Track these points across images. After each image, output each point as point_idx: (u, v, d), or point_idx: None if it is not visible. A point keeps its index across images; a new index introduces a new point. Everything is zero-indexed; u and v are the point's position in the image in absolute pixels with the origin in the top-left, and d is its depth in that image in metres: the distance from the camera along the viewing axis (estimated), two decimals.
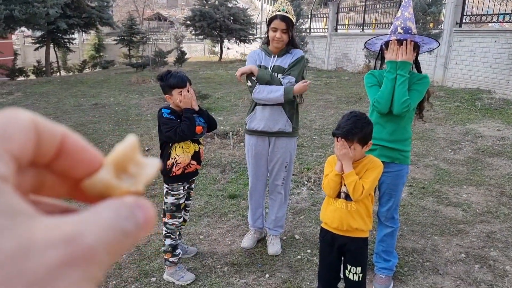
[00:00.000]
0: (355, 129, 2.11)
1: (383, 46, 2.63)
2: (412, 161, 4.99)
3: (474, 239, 3.22)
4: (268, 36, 2.94)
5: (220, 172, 4.84)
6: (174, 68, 17.13)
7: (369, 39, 2.70)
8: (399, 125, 2.55)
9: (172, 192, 2.80)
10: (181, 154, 2.73)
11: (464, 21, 10.78)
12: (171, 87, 2.67)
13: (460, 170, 4.69)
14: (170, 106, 2.75)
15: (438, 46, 2.66)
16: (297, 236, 3.36)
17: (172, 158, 2.74)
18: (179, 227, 2.90)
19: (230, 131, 6.19)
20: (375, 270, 2.80)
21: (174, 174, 2.74)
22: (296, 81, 2.90)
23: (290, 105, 2.98)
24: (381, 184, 2.65)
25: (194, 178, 2.97)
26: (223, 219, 3.72)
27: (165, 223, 2.87)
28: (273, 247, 3.16)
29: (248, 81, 2.95)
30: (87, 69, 24.64)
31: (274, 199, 3.27)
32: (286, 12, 2.85)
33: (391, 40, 2.49)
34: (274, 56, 2.96)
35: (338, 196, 2.22)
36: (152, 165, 0.33)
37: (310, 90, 10.53)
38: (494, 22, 10.95)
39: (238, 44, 24.54)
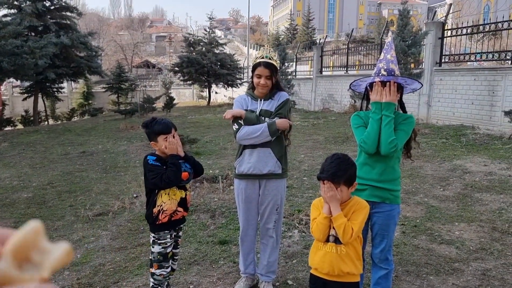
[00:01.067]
0: (339, 172, 2.13)
1: (368, 87, 2.68)
2: (403, 199, 4.98)
3: (470, 278, 3.16)
4: (253, 82, 2.99)
5: (209, 218, 4.77)
6: (163, 114, 17.28)
7: (354, 81, 2.76)
8: (388, 165, 2.55)
9: (158, 241, 2.73)
10: (167, 201, 2.69)
11: (443, 60, 11.17)
12: (156, 133, 2.67)
13: (450, 206, 4.69)
14: (156, 153, 2.74)
15: (421, 87, 2.72)
16: (290, 282, 3.26)
17: (158, 206, 2.69)
18: (167, 278, 2.81)
19: (219, 175, 6.15)
20: None
21: (160, 222, 2.69)
22: None
23: (279, 146, 2.99)
24: (373, 225, 2.62)
25: (181, 226, 2.91)
26: (213, 266, 3.61)
27: (152, 274, 2.77)
28: None
29: (235, 124, 2.96)
30: (76, 117, 24.70)
31: (266, 244, 3.20)
32: (270, 59, 2.91)
33: (375, 82, 2.54)
34: (260, 100, 3.00)
35: (327, 240, 2.19)
36: (58, 250, 0.31)
37: (298, 131, 10.64)
38: (472, 61, 11.36)
39: (226, 89, 24.98)
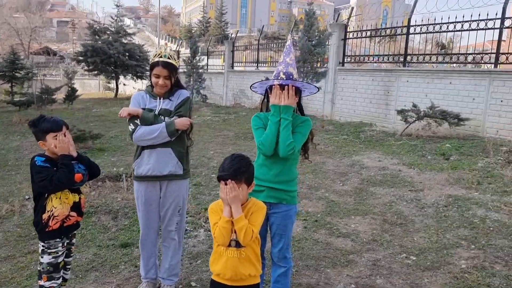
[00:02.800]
0: (242, 168, 2.14)
1: (268, 89, 2.71)
2: (306, 194, 5.20)
3: (362, 268, 3.39)
4: (151, 80, 2.87)
5: (111, 219, 4.52)
6: (64, 106, 16.07)
7: (254, 83, 2.77)
8: (285, 166, 2.60)
9: (48, 250, 2.50)
10: (58, 205, 2.48)
11: (346, 60, 11.88)
12: (44, 132, 2.44)
13: (348, 200, 5.00)
14: (45, 153, 2.51)
15: (317, 91, 2.82)
16: (193, 283, 3.22)
17: (48, 211, 2.47)
18: None
19: (124, 173, 5.87)
20: None
21: (50, 228, 2.47)
22: None
23: (180, 145, 2.91)
24: (271, 225, 2.67)
25: (74, 232, 2.70)
26: (113, 272, 3.43)
27: (41, 287, 2.54)
28: None
29: (131, 123, 2.82)
30: None
31: (168, 246, 3.11)
32: (169, 58, 2.81)
33: (274, 85, 2.57)
34: (160, 98, 2.89)
35: (229, 245, 2.18)
36: None
37: (208, 126, 10.59)
38: (372, 62, 12.22)
39: (135, 80, 23.97)
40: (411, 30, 10.11)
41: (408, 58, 10.32)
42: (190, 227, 4.29)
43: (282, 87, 2.54)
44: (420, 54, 10.20)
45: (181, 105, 2.88)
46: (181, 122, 2.78)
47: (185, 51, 23.44)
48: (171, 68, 2.81)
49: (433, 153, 6.80)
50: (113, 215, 4.63)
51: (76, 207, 2.58)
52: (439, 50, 13.49)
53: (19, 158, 7.55)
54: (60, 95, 17.86)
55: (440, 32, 9.55)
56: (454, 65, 9.79)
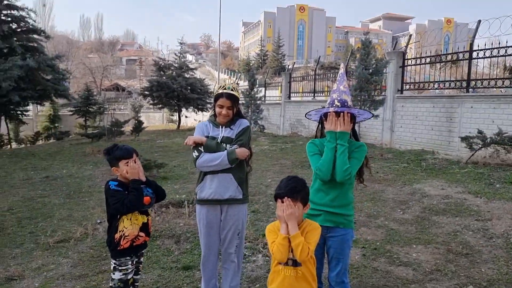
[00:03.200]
0: (298, 187, 2.29)
1: (322, 116, 2.82)
2: (364, 222, 5.12)
3: None
4: (215, 111, 3.07)
5: (174, 243, 4.74)
6: (131, 138, 17.10)
7: (309, 111, 2.89)
8: (341, 191, 2.66)
9: (119, 268, 2.72)
10: (129, 226, 2.71)
11: (405, 88, 11.68)
12: (117, 159, 2.72)
13: (409, 229, 4.85)
14: (117, 178, 2.77)
15: (372, 117, 2.89)
16: None
17: (119, 231, 2.70)
18: None
19: (186, 200, 6.14)
20: None
21: (121, 247, 2.69)
22: None
23: (240, 171, 3.05)
24: (328, 249, 2.71)
25: (143, 251, 2.91)
26: None
27: None
28: None
29: (195, 151, 3.02)
30: (41, 141, 24.02)
31: (228, 268, 3.22)
32: (232, 90, 3.02)
33: (330, 112, 2.68)
34: (222, 127, 3.09)
35: (286, 263, 2.26)
36: None
37: (265, 155, 10.77)
38: (434, 88, 11.89)
39: (196, 113, 25.04)
40: (474, 54, 9.79)
41: (472, 83, 9.95)
42: (248, 252, 4.38)
43: (337, 114, 2.64)
44: (485, 79, 9.79)
45: (242, 133, 3.05)
46: (241, 152, 2.95)
47: (243, 84, 24.19)
48: (233, 99, 3.01)
49: (502, 181, 6.43)
50: (176, 239, 4.85)
51: (145, 227, 2.80)
52: (507, 74, 12.87)
53: (91, 186, 8.14)
54: (127, 128, 19.06)
55: (505, 56, 9.15)
56: None
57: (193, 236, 4.85)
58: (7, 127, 20.76)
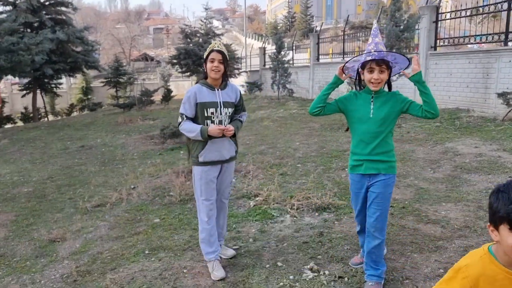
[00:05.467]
0: None
1: (359, 68, 2.81)
2: None
3: (452, 254, 3.27)
4: (206, 71, 3.25)
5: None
6: (161, 107, 17.35)
7: (346, 63, 2.87)
8: (381, 140, 2.74)
9: None
10: None
11: (439, 44, 11.18)
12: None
13: (439, 188, 4.79)
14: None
15: (408, 65, 2.82)
16: (279, 263, 3.38)
17: None
18: None
19: None
20: (365, 278, 2.89)
21: None
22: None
23: (235, 135, 3.41)
24: (369, 194, 2.77)
25: None
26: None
27: None
28: (227, 251, 3.59)
29: (179, 117, 3.30)
30: (75, 112, 24.80)
31: (223, 211, 3.59)
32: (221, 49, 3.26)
33: (368, 62, 2.67)
34: (217, 90, 3.28)
35: None
36: None
37: (294, 119, 10.73)
38: (471, 43, 11.34)
39: None
40: None
41: (510, 36, 9.40)
42: (276, 213, 4.47)
43: (378, 64, 2.63)
44: None
45: (241, 101, 3.47)
46: (213, 130, 3.16)
47: (271, 48, 23.84)
48: (223, 54, 3.20)
49: None
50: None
51: None
52: None
53: (125, 154, 8.41)
54: (157, 97, 19.32)
55: None
56: None
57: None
58: (43, 100, 21.51)
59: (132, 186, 5.94)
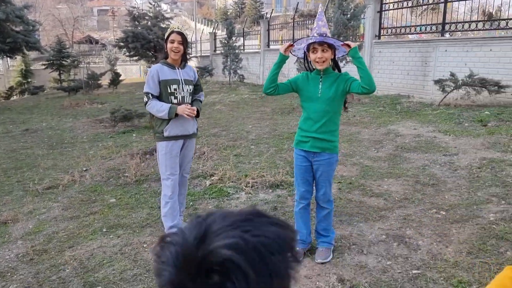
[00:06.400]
0: None
1: (305, 50, 3.01)
2: (341, 161, 5.41)
3: (393, 222, 3.61)
4: (166, 50, 3.39)
5: (160, 185, 4.94)
6: (109, 91, 16.85)
7: (293, 45, 3.07)
8: (329, 119, 2.94)
9: None
10: None
11: (383, 33, 11.75)
12: None
13: (382, 165, 5.17)
14: None
15: (346, 54, 3.04)
16: None
17: None
18: None
19: None
20: (317, 244, 3.15)
21: None
22: None
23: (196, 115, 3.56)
24: (315, 171, 3.00)
25: None
26: (163, 228, 3.83)
27: None
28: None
29: (145, 96, 3.41)
30: (15, 96, 23.41)
31: (184, 185, 3.79)
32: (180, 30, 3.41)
33: (311, 44, 2.86)
34: (177, 69, 3.44)
35: None
36: None
37: (246, 104, 10.90)
38: (411, 33, 12.01)
39: None
40: None
41: (447, 27, 10.10)
42: (232, 191, 4.64)
43: (320, 44, 2.83)
44: (459, 22, 9.94)
45: (199, 81, 3.70)
46: (181, 109, 3.34)
47: (221, 33, 23.69)
48: (183, 36, 3.35)
49: (471, 121, 6.78)
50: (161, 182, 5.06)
51: None
52: (485, 19, 13.01)
53: (73, 137, 8.19)
54: (104, 81, 18.70)
55: None
56: (496, 32, 9.50)
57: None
58: None
59: (84, 169, 5.86)
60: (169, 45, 3.35)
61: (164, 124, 3.43)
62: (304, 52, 3.05)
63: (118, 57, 32.19)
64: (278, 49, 14.88)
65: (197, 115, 3.55)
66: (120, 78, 18.18)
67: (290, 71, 15.36)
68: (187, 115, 3.35)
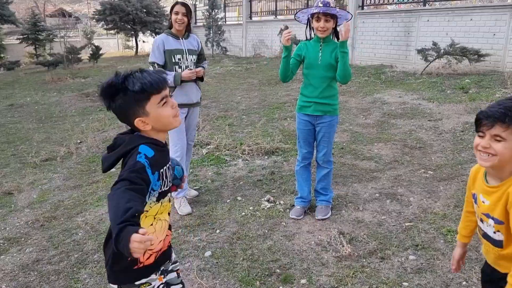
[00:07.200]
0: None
1: (309, 18, 3.15)
2: None
3: (385, 182, 3.86)
4: (171, 21, 3.48)
5: None
6: (90, 65, 16.55)
7: (296, 13, 3.21)
8: (328, 84, 3.12)
9: None
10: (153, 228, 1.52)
11: (365, 4, 11.86)
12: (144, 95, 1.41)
13: (371, 131, 5.41)
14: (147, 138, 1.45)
15: (351, 18, 3.21)
16: (239, 198, 3.76)
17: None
18: None
19: None
20: (316, 203, 3.37)
21: (141, 265, 1.51)
22: None
23: (200, 83, 3.70)
24: (317, 133, 3.20)
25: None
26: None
27: None
28: (191, 192, 3.84)
29: (150, 66, 3.46)
30: None
31: (188, 157, 3.88)
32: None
33: (316, 15, 3.01)
34: (181, 39, 3.52)
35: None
36: None
37: (232, 75, 10.95)
38: (391, 3, 12.14)
39: (154, 37, 24.15)
40: None
41: None
42: (229, 158, 4.81)
43: (323, 14, 2.98)
44: None
45: (203, 50, 3.75)
46: (186, 74, 3.43)
47: (200, 5, 23.30)
48: (187, 7, 3.45)
49: (453, 88, 7.06)
50: None
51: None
52: None
53: (62, 111, 8.16)
54: (84, 55, 18.31)
55: None
56: (477, 2, 9.73)
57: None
58: None
59: (79, 141, 5.91)
60: (173, 16, 3.43)
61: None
62: (308, 19, 3.19)
63: (95, 31, 31.37)
64: (261, 21, 14.82)
65: (201, 79, 3.65)
66: (100, 52, 17.81)
67: (274, 42, 15.39)
68: (190, 75, 3.43)
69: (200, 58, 3.74)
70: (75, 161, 5.18)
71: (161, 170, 1.44)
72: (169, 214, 1.59)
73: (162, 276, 1.60)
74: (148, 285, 1.52)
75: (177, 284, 1.70)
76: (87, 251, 3.07)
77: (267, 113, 6.70)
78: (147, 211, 1.43)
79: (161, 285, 1.58)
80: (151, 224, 1.47)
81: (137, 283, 1.50)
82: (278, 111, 6.74)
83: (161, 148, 1.46)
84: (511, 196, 1.38)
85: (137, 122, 1.42)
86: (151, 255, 1.50)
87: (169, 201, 1.56)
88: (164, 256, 1.59)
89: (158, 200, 1.47)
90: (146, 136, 1.46)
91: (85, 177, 4.63)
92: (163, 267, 1.60)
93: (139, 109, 1.40)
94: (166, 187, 1.49)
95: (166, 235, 1.58)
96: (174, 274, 1.69)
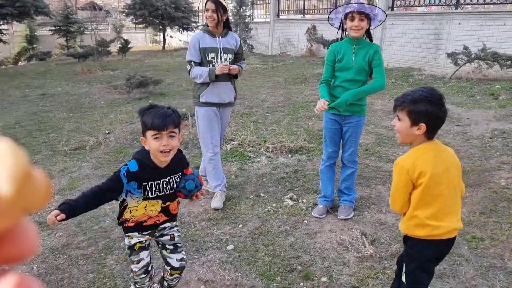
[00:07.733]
0: (417, 99, 1.84)
1: (343, 19, 3.15)
2: None
3: None
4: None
5: (183, 148, 5.17)
6: (118, 58, 16.88)
7: (330, 13, 3.22)
8: (358, 87, 3.13)
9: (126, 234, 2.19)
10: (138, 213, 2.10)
11: (395, 5, 11.71)
12: (145, 126, 1.94)
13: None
14: (140, 155, 2.04)
15: (386, 18, 3.19)
16: (262, 194, 3.81)
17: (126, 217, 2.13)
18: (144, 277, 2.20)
19: (187, 112, 6.49)
20: (339, 203, 3.39)
21: (127, 225, 2.14)
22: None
23: (235, 82, 3.72)
24: (344, 133, 3.22)
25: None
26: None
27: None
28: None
29: (188, 64, 3.53)
30: (22, 62, 23.42)
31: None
32: None
33: (350, 12, 3.01)
34: (218, 37, 3.51)
35: None
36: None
37: (258, 73, 11.00)
38: (422, 6, 11.95)
39: (181, 32, 24.44)
40: None
41: (461, 0, 10.06)
42: (253, 155, 4.86)
43: (358, 13, 2.97)
44: None
45: (241, 49, 3.69)
46: (220, 69, 3.42)
47: (229, 3, 23.43)
48: (218, 4, 3.38)
49: (482, 94, 6.92)
50: (184, 145, 5.28)
51: (164, 210, 2.15)
52: None
53: (91, 102, 8.37)
54: (113, 48, 18.68)
55: None
56: (507, 7, 9.48)
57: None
58: None
59: (107, 132, 6.07)
60: (205, 13, 3.46)
61: (202, 89, 3.55)
62: (341, 21, 3.19)
63: (124, 25, 31.94)
64: (289, 19, 14.79)
65: (236, 76, 3.63)
66: (129, 46, 18.14)
67: (300, 41, 15.35)
68: (223, 68, 3.41)
69: (238, 57, 3.67)
70: (103, 151, 5.33)
71: (146, 183, 1.99)
72: (169, 208, 2.14)
73: (149, 236, 2.19)
74: (130, 238, 2.15)
75: (170, 245, 2.24)
76: (114, 238, 3.17)
77: (291, 112, 6.71)
78: (135, 206, 2.05)
79: (147, 242, 2.19)
80: (143, 213, 2.08)
81: (126, 234, 2.17)
82: (303, 110, 6.74)
83: (150, 168, 1.98)
84: None
85: (141, 138, 2.02)
86: (134, 222, 2.12)
87: (164, 203, 2.10)
88: (147, 227, 2.15)
89: (145, 200, 2.03)
90: (145, 153, 2.00)
91: (113, 167, 4.75)
92: (150, 231, 2.17)
93: (144, 132, 1.96)
94: (152, 195, 2.02)
95: (157, 218, 2.14)
96: (167, 237, 2.23)
